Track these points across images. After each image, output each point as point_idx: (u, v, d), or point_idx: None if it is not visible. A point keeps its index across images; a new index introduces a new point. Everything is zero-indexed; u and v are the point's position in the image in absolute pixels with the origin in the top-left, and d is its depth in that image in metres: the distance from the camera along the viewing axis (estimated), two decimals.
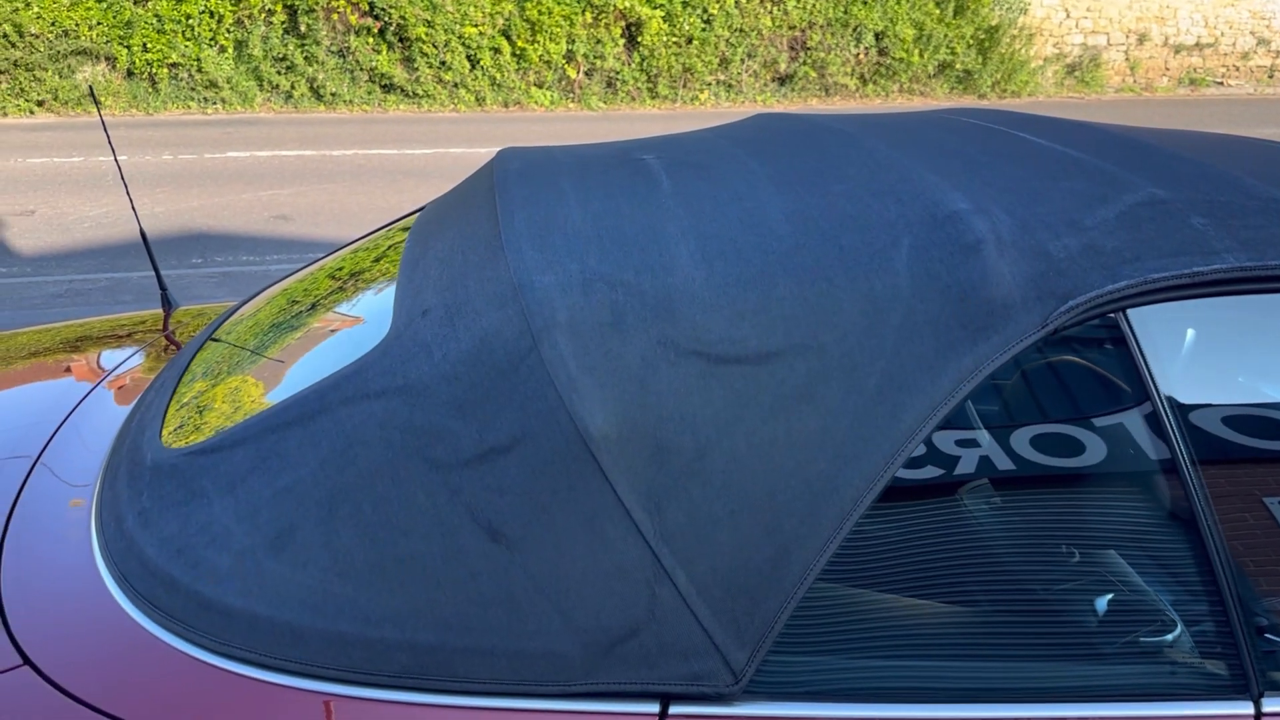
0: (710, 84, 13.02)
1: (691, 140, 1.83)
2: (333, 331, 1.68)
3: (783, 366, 1.15)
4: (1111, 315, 1.20)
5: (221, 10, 11.01)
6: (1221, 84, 15.64)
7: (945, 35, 13.64)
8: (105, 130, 2.16)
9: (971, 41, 13.89)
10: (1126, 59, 15.16)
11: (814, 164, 1.52)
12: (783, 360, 1.16)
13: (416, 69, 11.77)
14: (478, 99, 12.06)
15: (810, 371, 1.15)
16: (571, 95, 12.47)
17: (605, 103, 12.54)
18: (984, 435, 1.35)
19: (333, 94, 11.49)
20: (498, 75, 12.06)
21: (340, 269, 1.95)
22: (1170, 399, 1.23)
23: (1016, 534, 1.31)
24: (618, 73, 12.56)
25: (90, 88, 2.04)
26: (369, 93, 11.70)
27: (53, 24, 10.56)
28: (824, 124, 1.78)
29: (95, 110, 10.58)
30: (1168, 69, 15.43)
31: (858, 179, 1.42)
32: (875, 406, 1.13)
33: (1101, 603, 1.26)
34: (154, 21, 10.85)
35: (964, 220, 1.25)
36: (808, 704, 1.13)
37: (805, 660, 1.17)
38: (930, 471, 1.31)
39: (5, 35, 10.41)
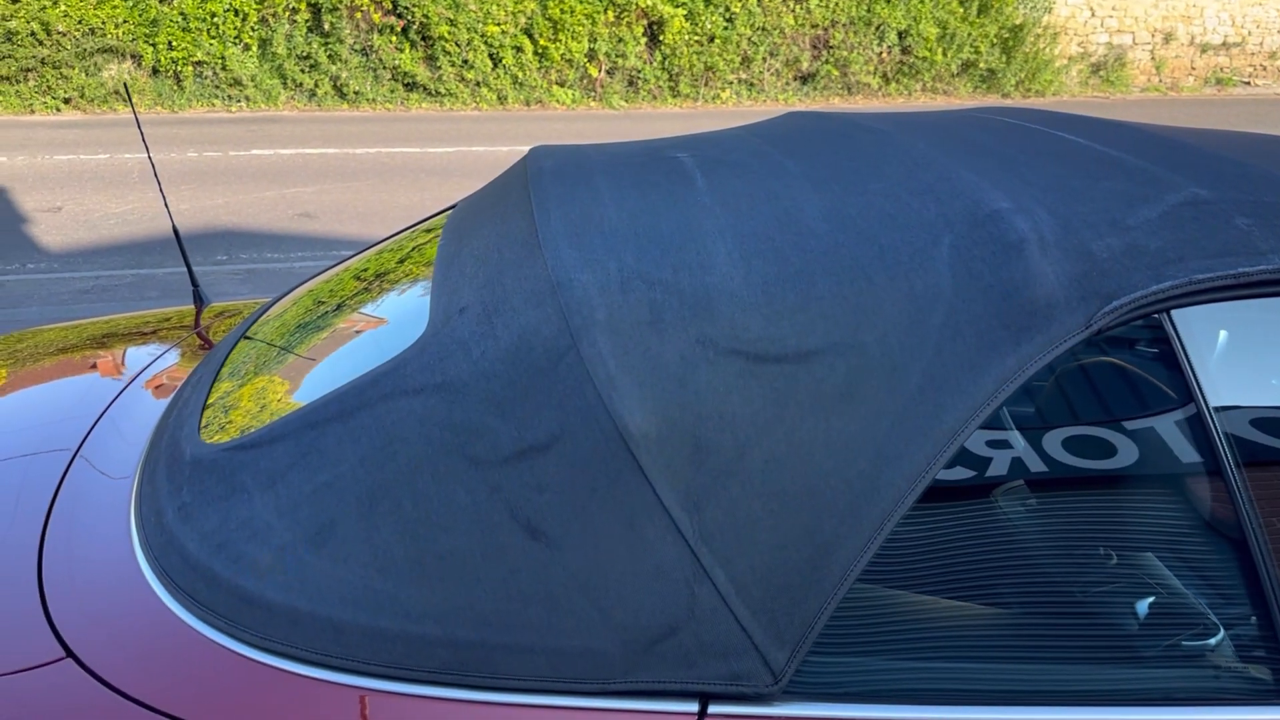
0: (732, 82, 13.01)
1: (724, 138, 1.83)
2: (368, 329, 1.68)
3: (822, 366, 1.15)
4: (1155, 316, 1.19)
5: (246, 8, 11.07)
6: (1248, 83, 15.49)
7: (969, 34, 13.58)
8: (140, 128, 2.17)
9: (995, 40, 13.81)
10: (1152, 58, 15.04)
11: (850, 162, 1.51)
12: (822, 359, 1.15)
13: (439, 67, 11.81)
14: (500, 98, 12.08)
15: (850, 371, 1.14)
16: (593, 94, 12.48)
17: (627, 101, 12.54)
18: (1026, 436, 1.34)
19: (356, 92, 11.54)
20: (520, 74, 12.08)
21: (372, 268, 1.95)
22: (1214, 401, 1.22)
23: (1057, 536, 1.30)
24: (639, 71, 12.56)
25: (125, 86, 2.06)
26: (392, 91, 11.75)
27: (79, 22, 10.65)
28: (858, 122, 1.77)
29: (121, 108, 10.67)
30: (1194, 68, 15.29)
31: (895, 177, 1.41)
32: (917, 406, 1.12)
33: (1143, 606, 1.25)
34: (179, 19, 10.92)
35: (1005, 219, 1.24)
36: (847, 705, 1.13)
37: (845, 661, 1.17)
38: (971, 472, 1.30)
39: (33, 33, 10.50)
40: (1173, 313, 1.20)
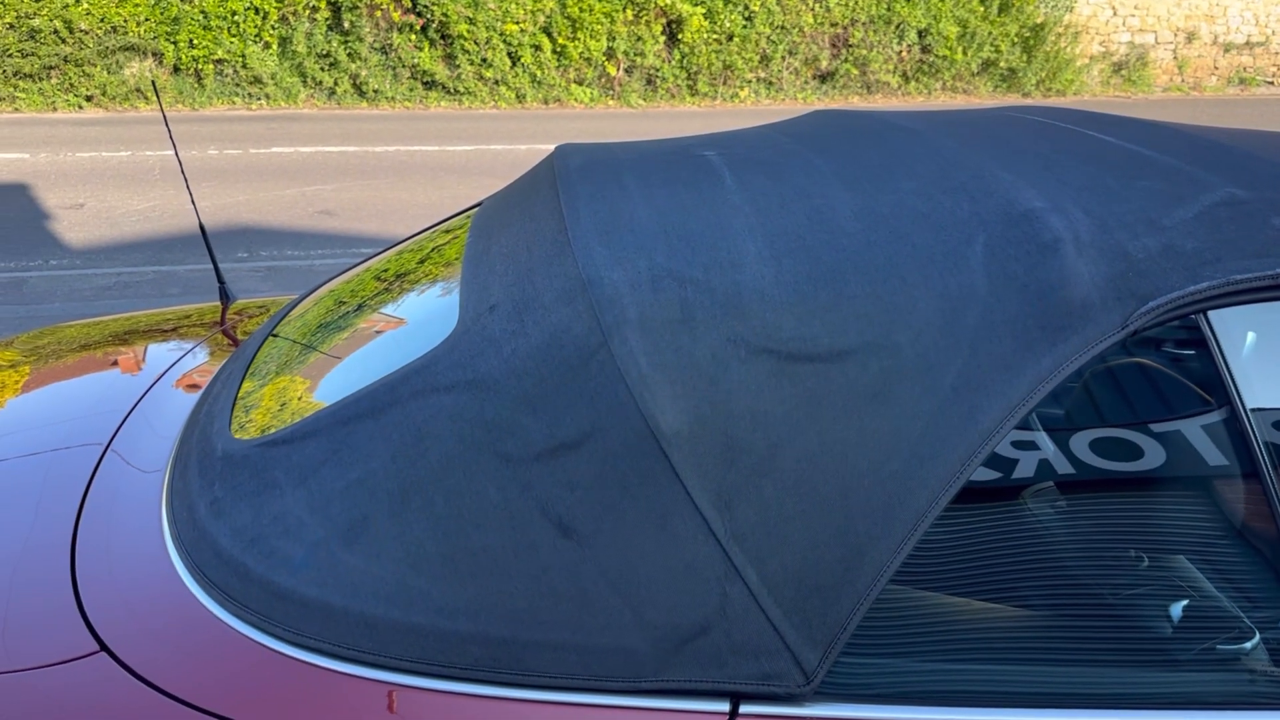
0: (750, 81, 12.98)
1: (752, 136, 1.82)
2: (396, 326, 1.69)
3: (855, 365, 1.14)
4: (1192, 317, 1.18)
5: (266, 7, 11.12)
6: (1272, 83, 15.36)
7: (989, 33, 13.51)
8: (167, 125, 2.18)
9: (1016, 39, 13.74)
10: (1174, 58, 14.93)
11: (880, 161, 1.50)
12: (855, 359, 1.14)
13: (458, 66, 11.83)
14: (518, 96, 12.10)
15: (884, 371, 1.14)
16: (611, 92, 12.48)
17: (645, 100, 12.54)
18: (1060, 438, 1.33)
19: (375, 90, 11.57)
20: (538, 72, 12.10)
21: (399, 265, 1.96)
22: (1251, 403, 1.21)
23: (1092, 539, 1.29)
24: (658, 70, 12.55)
25: (154, 83, 2.07)
26: (411, 89, 11.78)
27: (101, 20, 10.72)
28: (887, 120, 1.76)
29: (142, 105, 10.73)
30: (1216, 68, 15.17)
31: (927, 176, 1.40)
32: (951, 406, 1.11)
33: (1178, 610, 1.24)
34: (200, 18, 10.98)
35: (1040, 219, 1.23)
36: (880, 707, 1.12)
37: (878, 662, 1.16)
38: (1006, 474, 1.29)
39: (55, 31, 10.58)
40: (1209, 314, 1.19)
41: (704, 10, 12.44)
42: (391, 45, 11.64)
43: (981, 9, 13.45)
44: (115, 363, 2.07)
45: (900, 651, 1.18)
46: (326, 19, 11.45)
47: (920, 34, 13.34)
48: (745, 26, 12.66)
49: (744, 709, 1.10)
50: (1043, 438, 1.35)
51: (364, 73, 11.52)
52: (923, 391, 1.12)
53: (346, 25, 11.47)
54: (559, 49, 12.13)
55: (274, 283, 5.96)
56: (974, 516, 1.26)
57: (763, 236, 1.29)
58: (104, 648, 1.17)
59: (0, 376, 2.00)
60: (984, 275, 1.18)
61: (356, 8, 11.40)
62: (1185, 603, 1.24)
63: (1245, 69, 15.31)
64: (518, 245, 1.45)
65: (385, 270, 1.96)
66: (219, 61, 11.20)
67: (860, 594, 1.09)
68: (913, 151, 1.53)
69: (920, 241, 1.24)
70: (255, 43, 11.24)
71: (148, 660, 1.15)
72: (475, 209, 1.98)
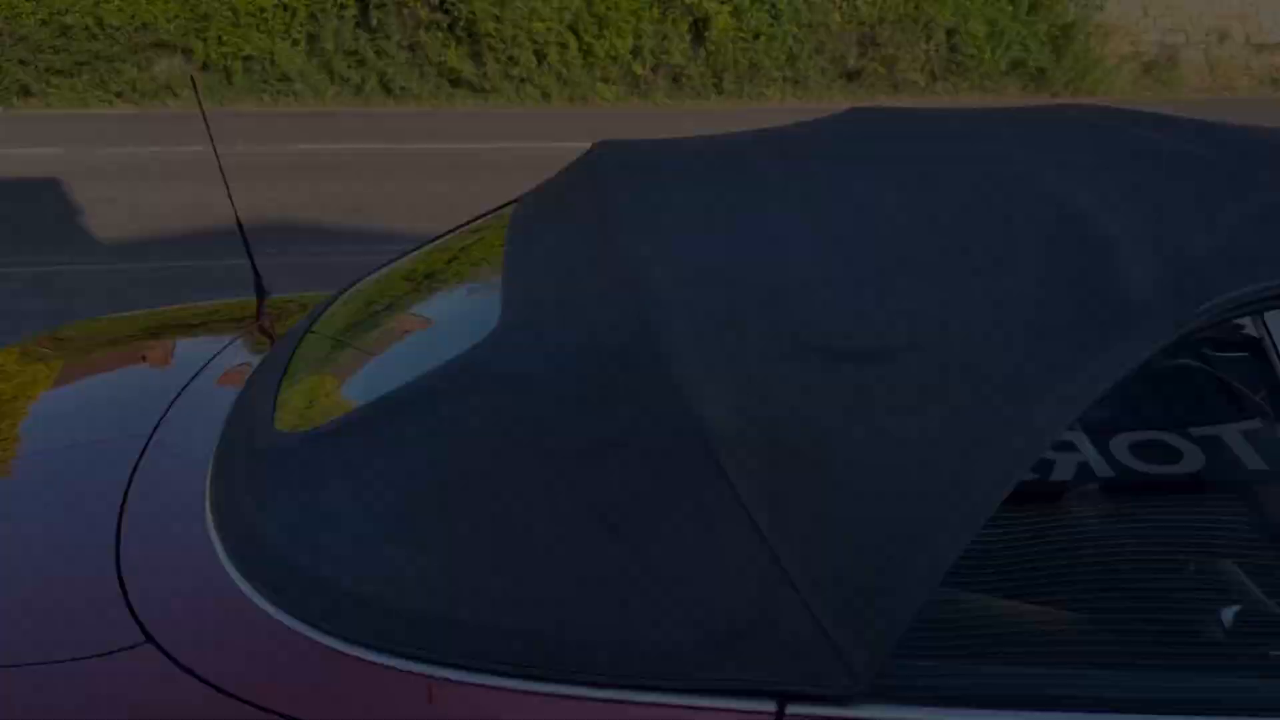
0: (777, 80, 12.94)
1: (792, 134, 1.81)
2: (436, 323, 1.69)
3: (904, 365, 1.13)
4: (1248, 317, 1.16)
5: (295, 4, 11.18)
6: None
7: (1018, 32, 13.40)
8: (206, 123, 2.20)
9: (1045, 39, 13.63)
10: (1206, 58, 14.77)
11: (927, 159, 1.49)
12: (904, 358, 1.13)
13: (484, 64, 11.85)
14: (544, 94, 12.11)
15: (933, 370, 1.12)
16: (637, 91, 12.47)
17: (670, 99, 12.52)
18: (1111, 440, 1.31)
19: (402, 88, 11.61)
20: (564, 70, 12.11)
21: (436, 263, 1.96)
22: None
23: (1144, 542, 1.27)
24: (684, 68, 12.53)
25: (192, 79, 2.09)
26: (437, 87, 11.81)
27: (132, 17, 10.81)
28: (931, 119, 1.75)
29: (172, 102, 10.82)
30: (1249, 69, 15.00)
31: (975, 174, 1.39)
32: (1002, 407, 1.10)
33: (1238, 614, 1.22)
34: (229, 15, 11.06)
35: (1092, 217, 1.22)
36: (927, 709, 1.11)
37: (925, 664, 1.15)
38: (1055, 476, 1.27)
39: (87, 28, 10.68)
40: (1266, 314, 1.17)
41: (731, 8, 12.41)
42: (419, 43, 11.68)
43: (1010, 8, 13.34)
44: (152, 357, 2.08)
45: (948, 653, 1.17)
46: (354, 16, 11.51)
47: (948, 33, 13.25)
48: (772, 25, 12.62)
49: (790, 709, 1.09)
50: (1094, 440, 1.33)
51: (391, 70, 11.57)
52: (973, 392, 1.11)
53: (374, 23, 11.53)
54: (585, 47, 12.13)
55: (303, 279, 5.95)
56: (1024, 518, 1.25)
57: (809, 234, 1.29)
58: (149, 639, 1.18)
59: (34, 370, 2.02)
60: (1035, 274, 1.17)
61: (384, 5, 11.45)
62: (1238, 608, 1.22)
63: (1278, 70, 15.13)
64: (559, 242, 1.45)
65: (423, 268, 1.96)
66: (247, 58, 11.27)
67: (909, 595, 1.07)
68: (958, 150, 1.51)
69: (970, 240, 1.23)
70: (284, 40, 11.30)
71: (193, 651, 1.16)
72: (507, 207, 1.98)
